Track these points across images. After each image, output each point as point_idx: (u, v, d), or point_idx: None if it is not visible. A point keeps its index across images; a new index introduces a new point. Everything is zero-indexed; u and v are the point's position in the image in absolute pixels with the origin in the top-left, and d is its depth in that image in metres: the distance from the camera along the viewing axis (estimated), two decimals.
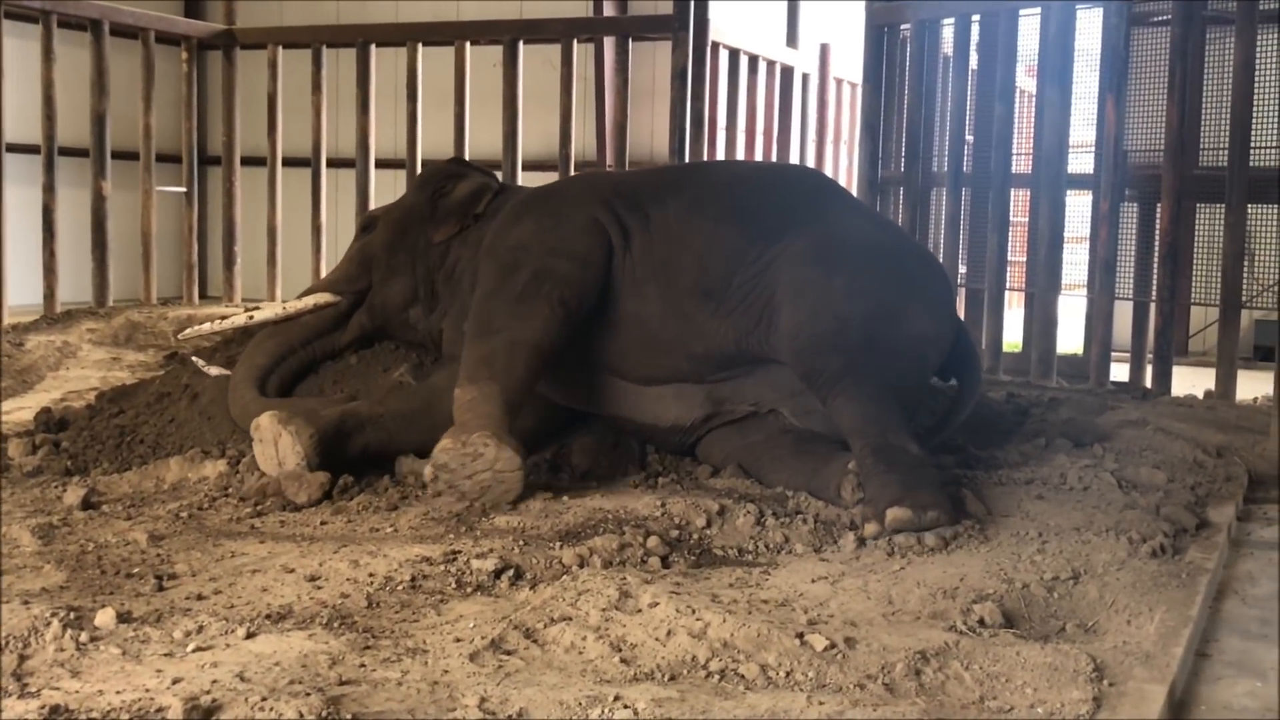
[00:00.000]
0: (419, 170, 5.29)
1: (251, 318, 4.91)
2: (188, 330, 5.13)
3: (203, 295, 9.98)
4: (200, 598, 2.97)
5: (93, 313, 7.99)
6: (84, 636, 2.61)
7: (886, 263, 4.28)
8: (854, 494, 3.83)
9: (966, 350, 4.50)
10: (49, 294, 8.25)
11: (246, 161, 9.90)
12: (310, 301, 4.89)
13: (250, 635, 2.67)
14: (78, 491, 3.86)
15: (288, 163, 9.72)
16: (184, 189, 9.63)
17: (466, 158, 6.63)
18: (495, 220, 4.74)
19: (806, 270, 4.16)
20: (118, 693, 2.35)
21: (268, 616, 2.82)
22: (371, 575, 3.12)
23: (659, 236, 4.40)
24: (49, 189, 8.24)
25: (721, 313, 4.26)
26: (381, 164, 9.21)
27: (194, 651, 2.58)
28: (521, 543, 3.38)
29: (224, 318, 5.03)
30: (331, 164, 9.70)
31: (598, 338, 4.42)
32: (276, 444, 3.99)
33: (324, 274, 9.34)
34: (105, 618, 2.71)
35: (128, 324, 7.63)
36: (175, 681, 2.41)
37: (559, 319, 4.25)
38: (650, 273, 4.37)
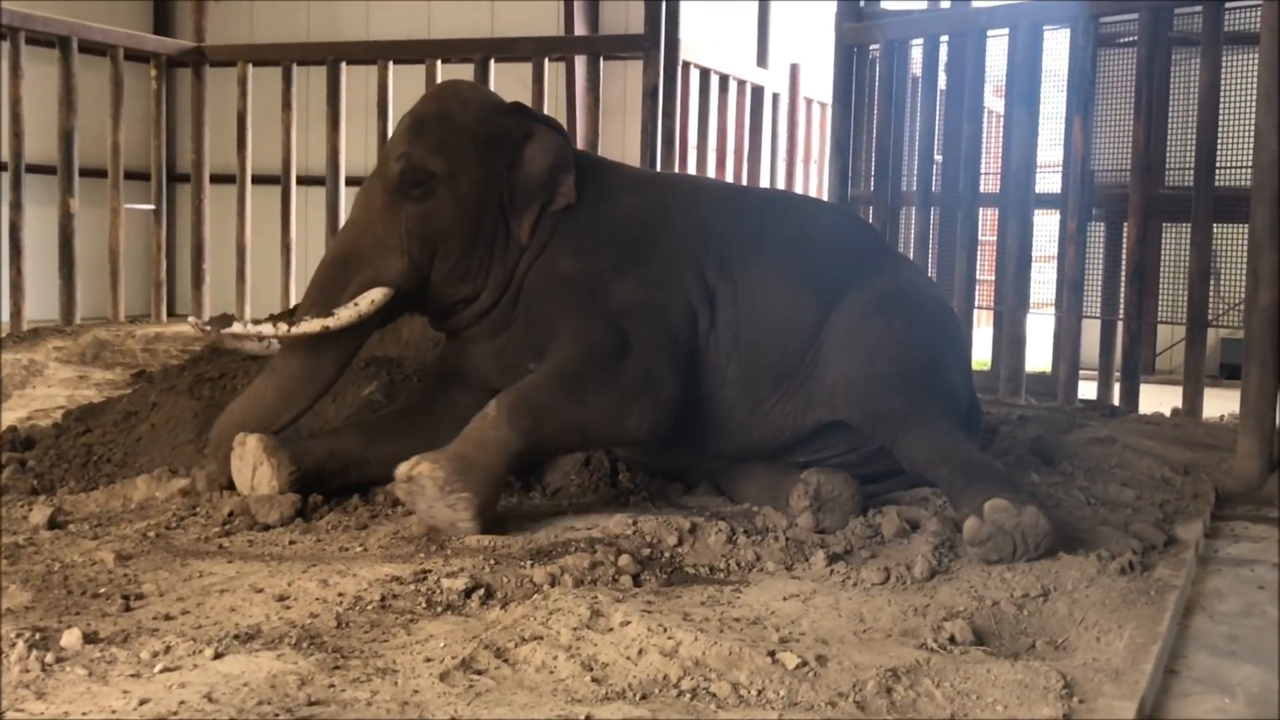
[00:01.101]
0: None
1: (327, 327, 3.97)
2: (232, 328, 4.13)
3: (171, 313, 9.93)
4: (168, 618, 2.94)
5: (60, 330, 7.95)
6: (50, 657, 2.58)
7: (934, 315, 4.27)
8: (800, 501, 3.85)
9: (973, 401, 4.49)
10: (15, 311, 8.19)
11: (216, 179, 9.87)
12: (379, 299, 4.00)
13: (218, 655, 2.64)
14: (44, 510, 3.82)
15: (257, 180, 9.70)
16: (153, 206, 9.59)
17: None
18: (568, 238, 4.14)
19: (860, 322, 4.07)
20: (84, 714, 2.33)
21: (236, 637, 2.80)
22: (341, 595, 3.10)
23: (743, 308, 4.11)
24: (16, 206, 8.20)
25: (789, 393, 4.10)
26: (352, 181, 9.15)
27: (161, 672, 2.56)
28: (492, 561, 3.37)
29: (294, 323, 4.00)
30: (301, 182, 9.68)
31: None
32: (255, 470, 3.93)
33: (293, 291, 9.36)
34: (71, 638, 2.68)
35: (95, 342, 7.59)
36: (142, 702, 2.38)
37: (644, 435, 3.97)
38: (732, 351, 4.10)
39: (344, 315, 3.96)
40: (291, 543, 3.64)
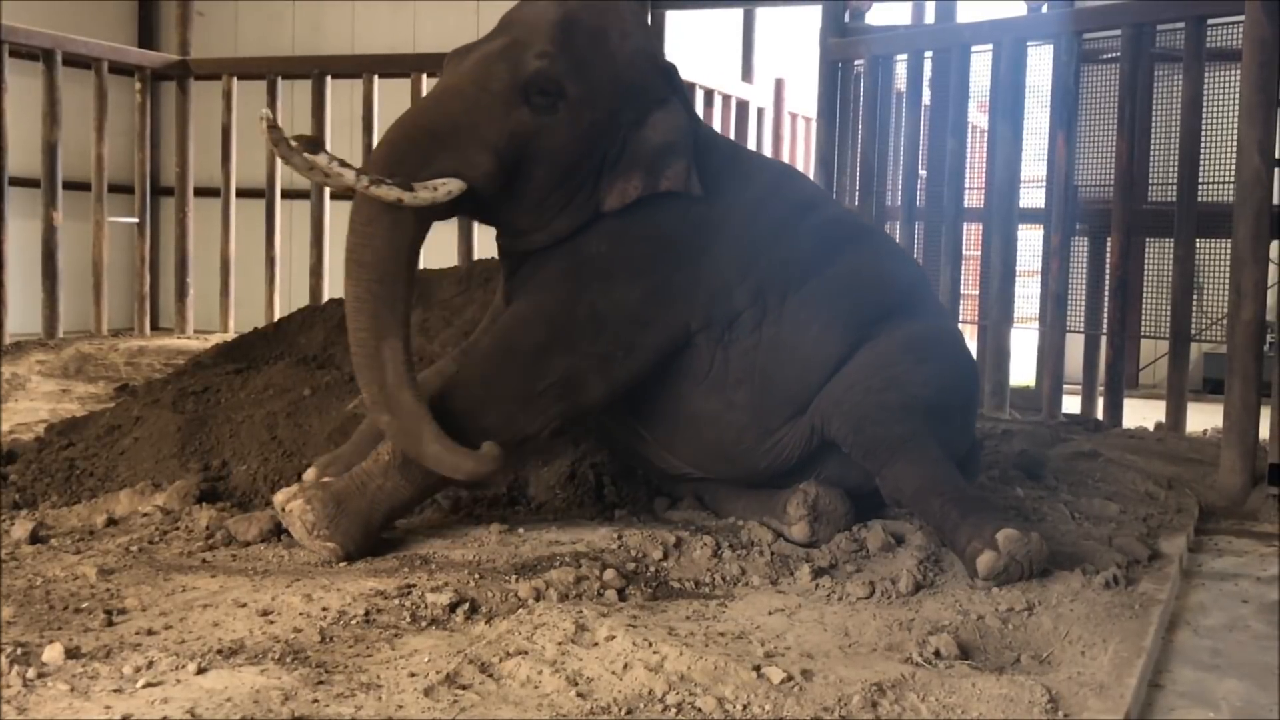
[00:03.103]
0: None
1: (402, 200, 3.52)
2: (318, 156, 3.51)
3: (154, 327, 9.90)
4: (150, 633, 2.92)
5: (42, 344, 7.92)
6: (31, 673, 2.57)
7: (960, 365, 4.18)
8: (798, 509, 3.83)
9: (972, 446, 4.38)
10: None
11: (200, 192, 9.86)
12: (455, 191, 3.60)
13: (201, 671, 2.63)
14: (26, 525, 3.80)
15: (241, 194, 9.69)
16: (136, 220, 9.57)
17: None
18: (625, 217, 3.83)
19: (890, 356, 3.93)
20: None
21: (219, 651, 2.78)
22: (325, 609, 3.09)
23: (766, 336, 3.91)
24: None
25: (798, 425, 3.98)
26: (337, 195, 9.18)
27: (144, 687, 2.54)
28: (477, 576, 3.36)
29: (373, 180, 3.52)
30: (286, 195, 9.68)
31: (658, 428, 4.05)
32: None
33: (278, 305, 9.35)
34: (53, 653, 2.67)
35: (78, 355, 7.56)
36: (125, 718, 2.37)
37: (545, 435, 3.85)
38: (745, 375, 3.92)
39: (422, 196, 3.54)
40: (275, 557, 3.62)
